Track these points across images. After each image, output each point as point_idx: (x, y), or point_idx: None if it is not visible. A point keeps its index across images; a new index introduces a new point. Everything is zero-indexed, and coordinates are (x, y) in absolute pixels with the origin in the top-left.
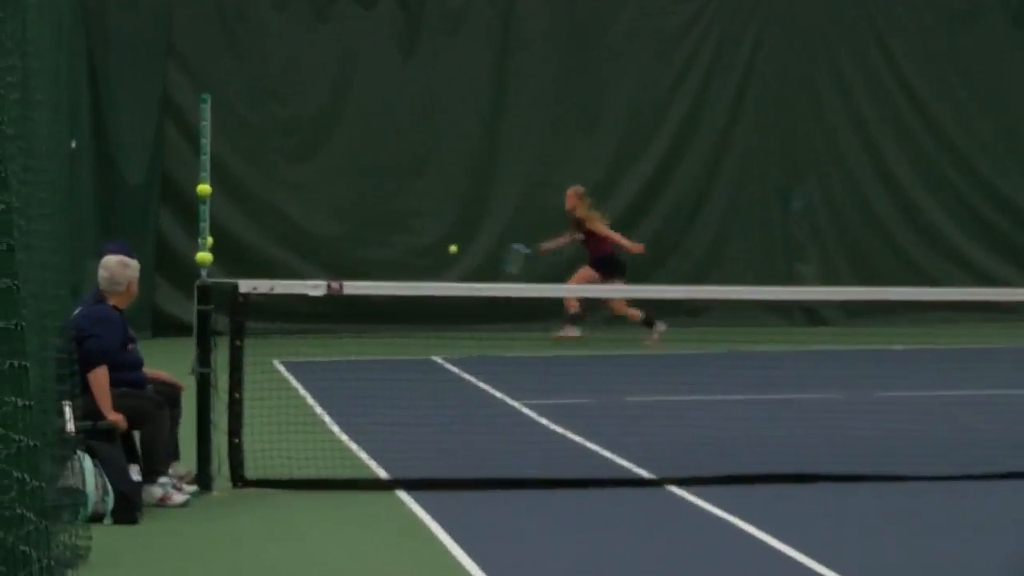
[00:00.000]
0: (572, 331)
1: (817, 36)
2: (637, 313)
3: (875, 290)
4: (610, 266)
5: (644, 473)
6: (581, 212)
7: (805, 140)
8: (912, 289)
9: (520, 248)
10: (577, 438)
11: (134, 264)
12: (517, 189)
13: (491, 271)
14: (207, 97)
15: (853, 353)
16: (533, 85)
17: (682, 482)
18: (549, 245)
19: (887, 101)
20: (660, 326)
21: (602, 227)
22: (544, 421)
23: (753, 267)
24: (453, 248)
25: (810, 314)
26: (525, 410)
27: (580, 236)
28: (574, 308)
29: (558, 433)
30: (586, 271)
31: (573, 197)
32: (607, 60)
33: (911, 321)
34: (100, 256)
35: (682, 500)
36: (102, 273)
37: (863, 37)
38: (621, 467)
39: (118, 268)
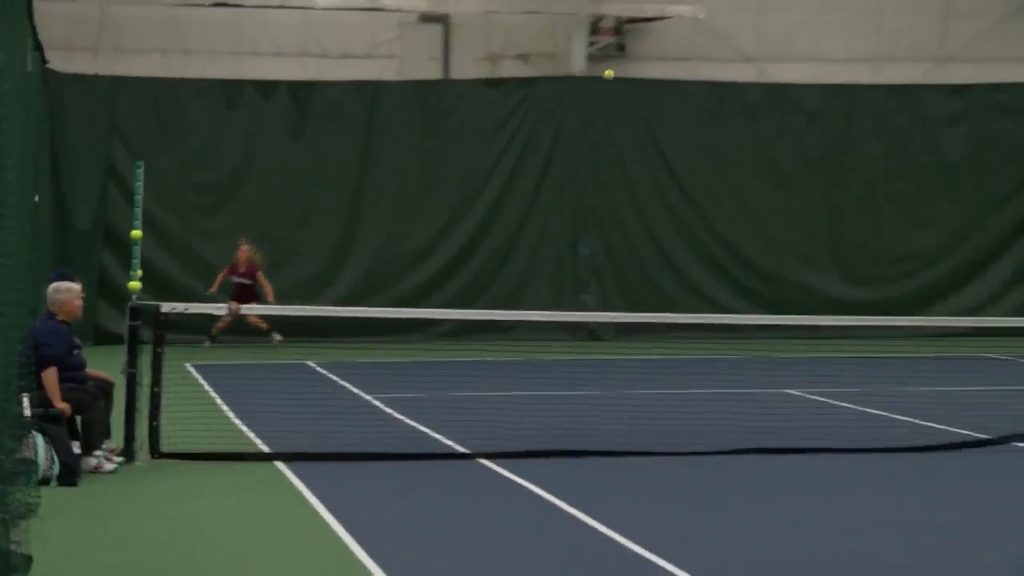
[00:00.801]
0: (277, 337)
1: (603, 126)
2: (263, 325)
3: (638, 315)
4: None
5: (462, 449)
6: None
7: (590, 203)
8: (667, 314)
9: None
10: (412, 423)
11: (66, 287)
12: (377, 238)
13: (355, 298)
14: (141, 164)
15: (621, 361)
16: (391, 159)
17: (490, 456)
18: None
19: (653, 175)
20: (276, 336)
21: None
22: (389, 410)
23: (550, 296)
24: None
25: (590, 332)
26: (375, 402)
27: (247, 280)
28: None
29: (399, 419)
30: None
31: (246, 251)
32: (447, 141)
33: (666, 338)
34: (49, 283)
35: (490, 470)
36: (47, 295)
37: (637, 127)
38: (445, 444)
39: (51, 292)
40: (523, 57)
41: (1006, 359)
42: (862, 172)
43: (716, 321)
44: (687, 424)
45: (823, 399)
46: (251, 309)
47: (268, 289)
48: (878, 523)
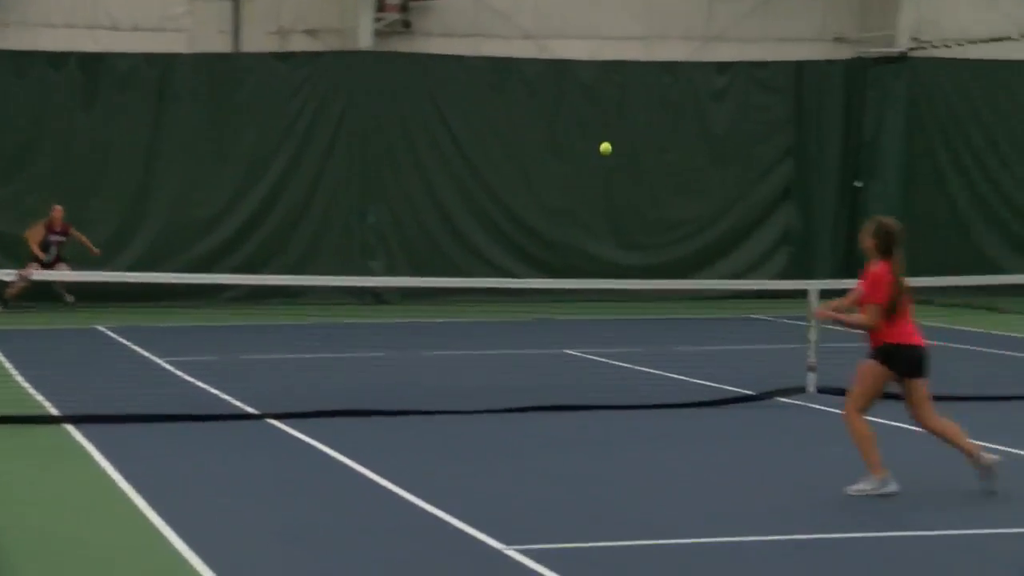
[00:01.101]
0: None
1: (391, 100)
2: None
3: (424, 280)
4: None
5: (252, 410)
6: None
7: (378, 173)
8: (452, 279)
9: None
10: (203, 385)
11: None
12: (168, 205)
13: (146, 264)
14: None
15: (408, 324)
16: (182, 129)
17: (279, 416)
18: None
19: (439, 146)
20: (68, 297)
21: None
22: (180, 373)
23: (339, 263)
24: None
25: (377, 297)
26: (166, 365)
27: (62, 237)
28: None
29: (189, 382)
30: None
31: (61, 211)
32: (238, 111)
33: (451, 302)
34: None
35: (279, 430)
36: None
37: (423, 101)
38: (235, 406)
39: None
40: (312, 32)
41: (769, 319)
42: (636, 144)
43: (498, 285)
44: (471, 384)
45: (601, 359)
46: (50, 275)
47: (86, 240)
48: (647, 476)
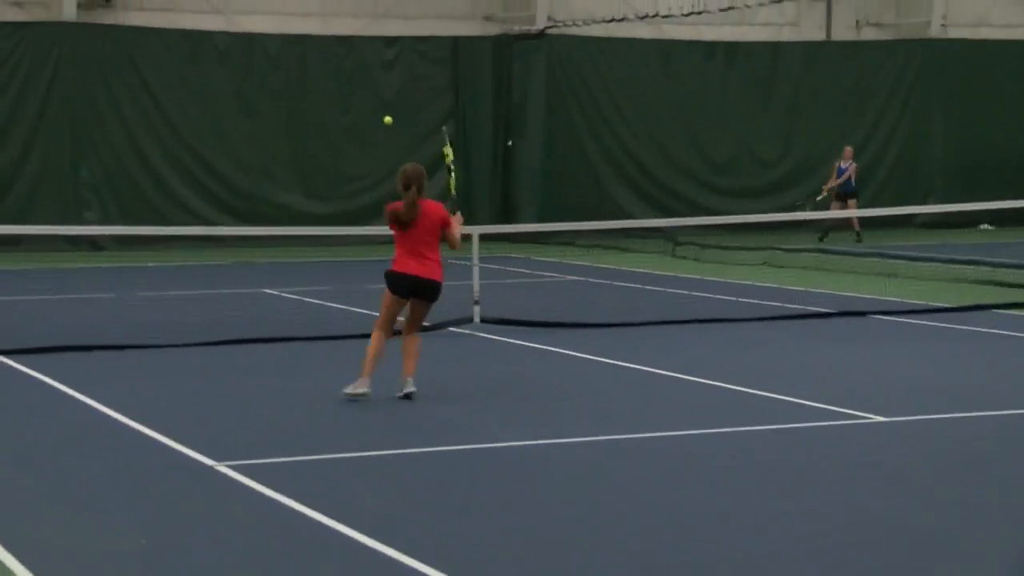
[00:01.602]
0: None
1: (96, 66)
2: None
3: (135, 228)
4: None
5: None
6: None
7: (89, 132)
8: (158, 228)
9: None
10: None
11: None
12: None
13: None
14: None
15: (120, 269)
16: None
17: (4, 352)
18: None
19: (142, 108)
20: None
21: None
22: None
23: (56, 213)
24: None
25: (93, 244)
26: None
27: None
28: None
29: None
30: None
31: None
32: None
33: (157, 248)
34: None
35: (4, 364)
36: None
37: (126, 68)
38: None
39: None
40: (18, 4)
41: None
42: (319, 106)
43: (201, 232)
44: (182, 320)
45: (295, 296)
46: None
47: None
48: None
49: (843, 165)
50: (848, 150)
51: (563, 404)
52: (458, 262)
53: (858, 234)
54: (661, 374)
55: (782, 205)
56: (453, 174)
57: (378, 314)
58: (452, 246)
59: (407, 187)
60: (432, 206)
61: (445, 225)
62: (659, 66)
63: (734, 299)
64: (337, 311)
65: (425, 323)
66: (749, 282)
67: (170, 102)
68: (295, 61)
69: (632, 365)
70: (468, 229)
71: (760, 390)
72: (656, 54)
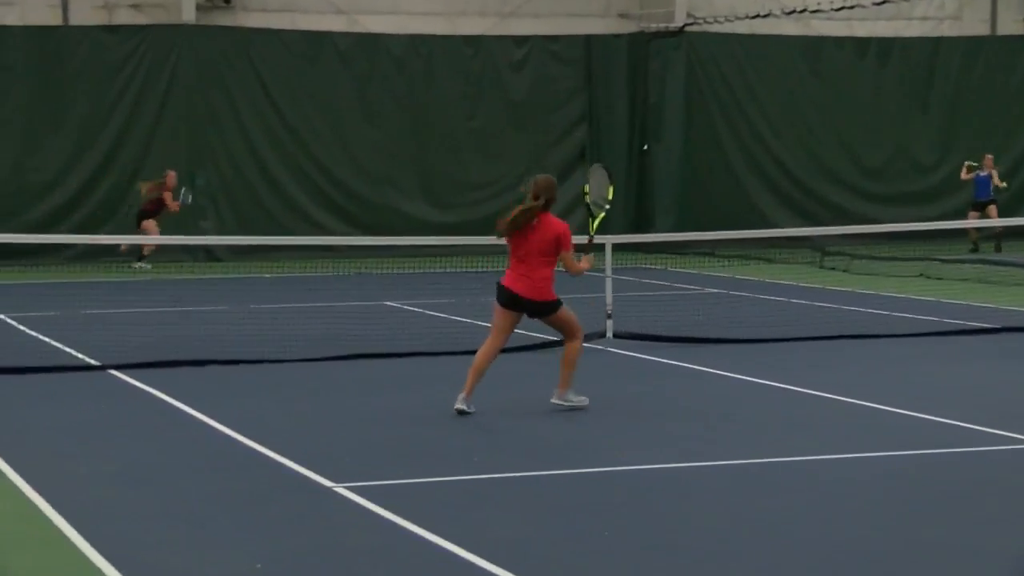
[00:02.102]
0: None
1: (215, 70)
2: None
3: (253, 238)
4: None
5: (93, 361)
6: None
7: (205, 139)
8: (276, 237)
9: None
10: (46, 339)
11: None
12: (4, 171)
13: None
14: None
15: (236, 280)
16: (15, 98)
17: (119, 367)
18: None
19: (261, 113)
20: None
21: None
22: (22, 327)
23: (172, 222)
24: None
25: (209, 253)
26: (9, 320)
27: None
28: None
29: (32, 335)
30: None
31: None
32: (68, 82)
33: (280, 258)
34: None
35: (120, 379)
36: None
37: (246, 71)
38: (77, 358)
39: None
40: (137, 6)
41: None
42: (444, 110)
43: (321, 242)
44: (298, 333)
45: (418, 309)
46: None
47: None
48: (466, 416)
49: (983, 174)
50: (989, 158)
51: (701, 425)
52: (590, 274)
53: (999, 243)
54: (807, 393)
55: (942, 213)
56: (594, 214)
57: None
58: (569, 272)
59: (535, 197)
60: (553, 224)
61: (563, 248)
62: (807, 64)
63: (887, 313)
64: (461, 325)
65: (555, 337)
66: (904, 295)
67: (289, 106)
68: (420, 63)
69: (776, 384)
70: (601, 238)
71: (916, 411)
72: (804, 51)
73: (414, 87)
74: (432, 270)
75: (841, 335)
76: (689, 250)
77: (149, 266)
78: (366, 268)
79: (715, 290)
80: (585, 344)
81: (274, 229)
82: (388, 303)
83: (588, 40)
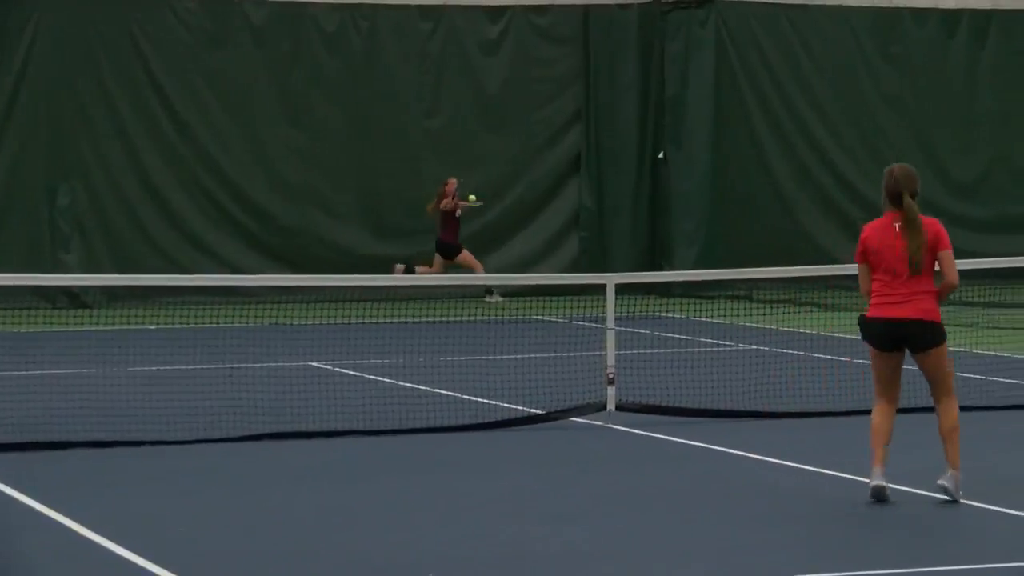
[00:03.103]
0: None
1: (83, 48)
2: None
3: (132, 276)
4: None
5: None
6: None
7: (72, 144)
8: (164, 276)
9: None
10: None
11: None
12: None
13: None
14: None
15: (111, 333)
16: None
17: None
18: None
19: (145, 109)
20: None
21: None
22: None
23: (24, 256)
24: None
25: (73, 298)
26: None
27: None
28: None
29: None
30: None
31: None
32: None
33: (162, 304)
34: None
35: None
36: None
37: (123, 52)
38: None
39: None
40: None
41: (558, 321)
42: (393, 106)
43: (227, 283)
44: (190, 405)
45: (353, 372)
46: None
47: None
48: (406, 510)
49: None
50: None
51: (737, 528)
52: (586, 324)
53: None
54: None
55: None
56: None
57: None
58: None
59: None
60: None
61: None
62: (876, 44)
63: (982, 378)
64: (408, 393)
65: (536, 409)
66: (1008, 354)
67: (184, 100)
68: (360, 42)
69: (838, 473)
70: (601, 277)
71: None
72: (873, 26)
73: (352, 74)
74: (375, 320)
75: (922, 407)
76: (719, 292)
77: (501, 298)
78: (286, 317)
79: (752, 346)
80: (580, 419)
81: (161, 265)
82: (314, 363)
83: (586, 13)
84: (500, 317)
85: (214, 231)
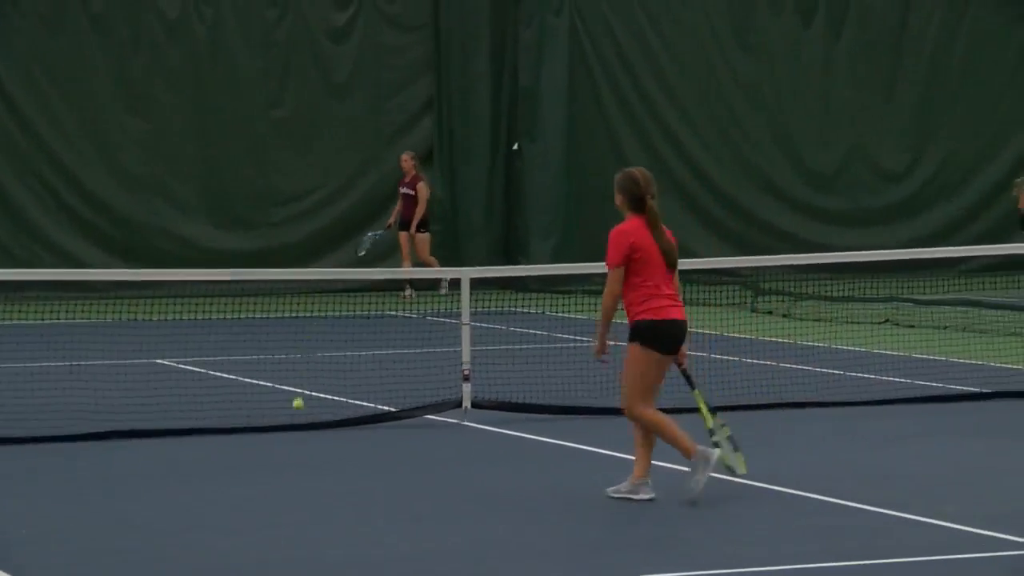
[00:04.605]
0: None
1: None
2: None
3: None
4: None
5: None
6: None
7: None
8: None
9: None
10: None
11: None
12: None
13: None
14: None
15: None
16: None
17: None
18: None
19: None
20: None
21: None
22: None
23: None
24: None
25: None
26: None
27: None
28: None
29: None
30: None
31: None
32: None
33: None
34: None
35: None
36: None
37: None
38: None
39: None
40: None
41: (410, 316)
42: (238, 95)
43: (65, 277)
44: (34, 405)
45: (199, 369)
46: None
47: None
48: (250, 512)
49: None
50: None
51: (590, 527)
52: (441, 320)
53: None
54: (729, 482)
55: (912, 236)
56: None
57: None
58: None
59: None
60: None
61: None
62: (732, 31)
63: (841, 373)
64: (254, 390)
65: (388, 407)
66: (863, 348)
67: (21, 88)
68: (202, 28)
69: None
70: (455, 271)
71: (881, 506)
72: (728, 13)
73: (195, 62)
74: (222, 317)
75: (779, 403)
76: (574, 287)
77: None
78: (130, 312)
79: (610, 342)
80: (435, 417)
81: (3, 261)
82: (160, 361)
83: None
84: (352, 312)
85: (52, 223)
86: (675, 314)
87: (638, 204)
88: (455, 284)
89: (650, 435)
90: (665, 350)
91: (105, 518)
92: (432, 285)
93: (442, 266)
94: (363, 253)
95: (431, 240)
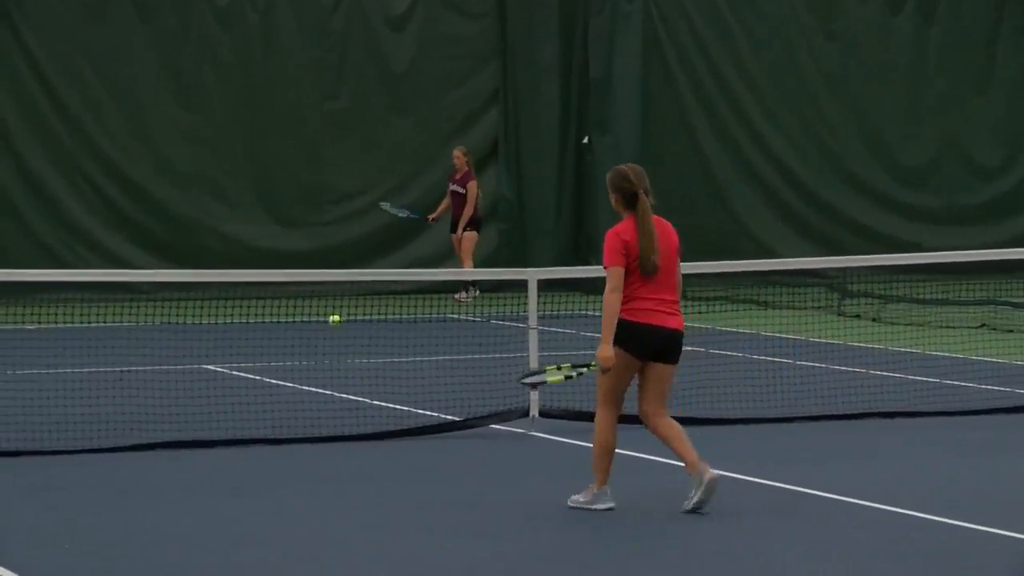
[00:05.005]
0: None
1: None
2: None
3: (6, 272)
4: None
5: None
6: None
7: None
8: (44, 271)
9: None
10: None
11: None
12: None
13: None
14: None
15: None
16: None
17: None
18: None
19: (19, 86)
20: None
21: None
22: None
23: None
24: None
25: None
26: None
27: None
28: None
29: None
30: None
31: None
32: None
33: (40, 301)
34: None
35: None
36: None
37: None
38: None
39: None
40: None
41: (476, 320)
42: (291, 87)
43: (112, 278)
44: (79, 414)
45: (251, 376)
46: None
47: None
48: (303, 525)
49: None
50: None
51: (671, 546)
52: (506, 324)
53: None
54: (817, 497)
55: (1012, 236)
56: None
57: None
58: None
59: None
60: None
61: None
62: (815, 17)
63: (936, 381)
64: (313, 398)
65: (453, 416)
66: (959, 355)
67: (63, 80)
68: (255, 17)
69: (770, 482)
70: (522, 272)
71: (985, 525)
72: (813, 3)
73: (246, 52)
74: (275, 320)
75: (868, 412)
76: None
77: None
78: (177, 315)
79: (687, 347)
80: (500, 427)
81: (40, 259)
82: (208, 366)
83: None
84: (412, 316)
85: (97, 221)
86: (658, 320)
87: (632, 201)
88: (516, 286)
89: (605, 444)
90: (637, 353)
91: (145, 531)
92: (496, 287)
93: (508, 267)
94: (386, 207)
95: (481, 240)
